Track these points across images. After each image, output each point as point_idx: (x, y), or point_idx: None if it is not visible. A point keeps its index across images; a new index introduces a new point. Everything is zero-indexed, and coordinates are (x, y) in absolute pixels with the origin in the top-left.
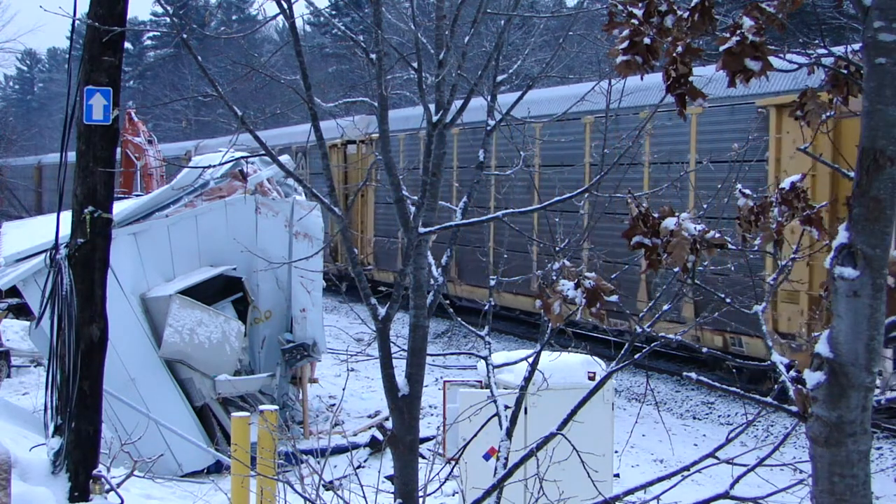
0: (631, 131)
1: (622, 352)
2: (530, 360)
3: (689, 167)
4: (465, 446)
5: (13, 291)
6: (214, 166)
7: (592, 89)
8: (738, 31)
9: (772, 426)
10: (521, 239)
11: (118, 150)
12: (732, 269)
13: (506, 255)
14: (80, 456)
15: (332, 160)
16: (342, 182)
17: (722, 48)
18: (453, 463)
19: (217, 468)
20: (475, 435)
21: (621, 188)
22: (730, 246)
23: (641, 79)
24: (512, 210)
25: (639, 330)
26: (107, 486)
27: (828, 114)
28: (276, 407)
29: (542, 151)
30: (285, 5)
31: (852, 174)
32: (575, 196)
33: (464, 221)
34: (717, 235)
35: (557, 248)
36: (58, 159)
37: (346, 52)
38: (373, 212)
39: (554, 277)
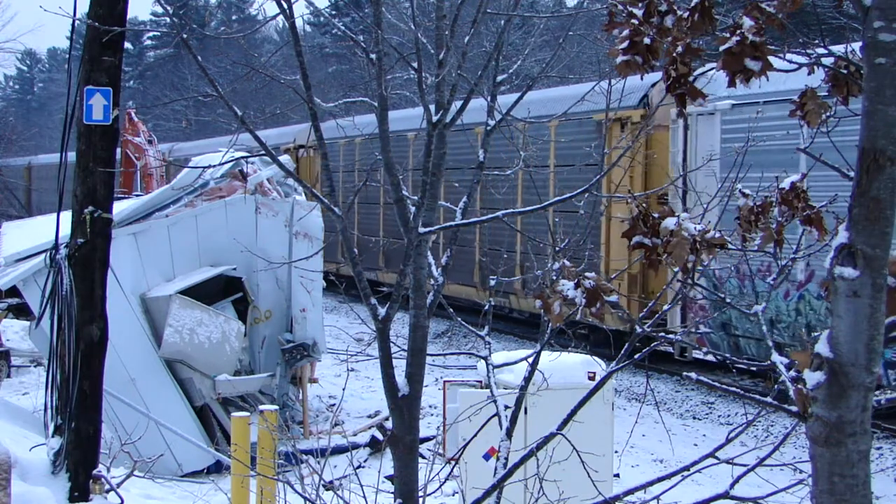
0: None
1: (622, 352)
2: (530, 360)
3: (549, 170)
4: (465, 446)
5: (13, 291)
6: (214, 166)
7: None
8: (738, 31)
9: (772, 426)
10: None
11: (118, 150)
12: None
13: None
14: (80, 456)
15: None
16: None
17: (722, 48)
18: (453, 463)
19: (217, 468)
20: (475, 435)
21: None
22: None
23: (641, 78)
24: (512, 210)
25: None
26: (107, 486)
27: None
28: (276, 407)
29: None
30: (285, 5)
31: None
32: (575, 196)
33: (464, 221)
34: (718, 235)
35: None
36: (48, 160)
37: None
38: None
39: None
